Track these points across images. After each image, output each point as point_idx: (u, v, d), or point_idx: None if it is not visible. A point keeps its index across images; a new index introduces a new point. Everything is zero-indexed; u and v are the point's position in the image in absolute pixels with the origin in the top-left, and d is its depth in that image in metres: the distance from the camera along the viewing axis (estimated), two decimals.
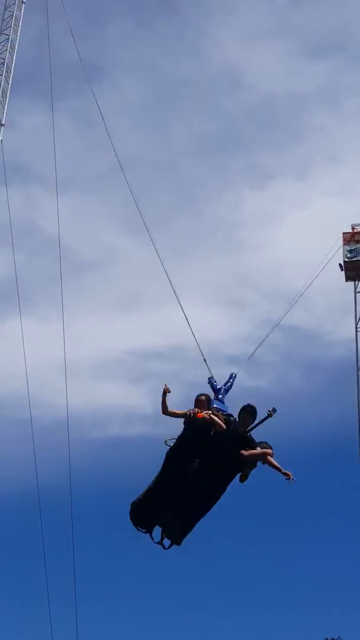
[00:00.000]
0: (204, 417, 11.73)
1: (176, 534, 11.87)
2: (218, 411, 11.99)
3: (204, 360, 12.76)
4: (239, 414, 11.82)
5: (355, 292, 37.17)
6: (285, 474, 11.67)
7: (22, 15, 31.04)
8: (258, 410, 11.74)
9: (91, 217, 54.56)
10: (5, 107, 29.02)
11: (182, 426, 11.88)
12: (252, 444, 11.77)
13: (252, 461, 11.78)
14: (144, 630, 42.65)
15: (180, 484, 11.70)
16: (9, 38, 30.10)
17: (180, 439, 11.88)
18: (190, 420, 11.80)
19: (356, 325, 36.56)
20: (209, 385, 12.79)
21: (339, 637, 34.66)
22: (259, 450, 11.74)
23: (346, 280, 37.03)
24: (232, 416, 11.97)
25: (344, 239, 37.03)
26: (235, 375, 12.96)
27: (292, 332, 51.40)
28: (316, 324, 52.15)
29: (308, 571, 45.15)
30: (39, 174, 47.61)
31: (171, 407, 11.97)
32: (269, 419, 11.75)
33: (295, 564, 45.73)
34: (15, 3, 31.18)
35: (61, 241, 27.87)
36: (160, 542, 11.86)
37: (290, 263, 50.65)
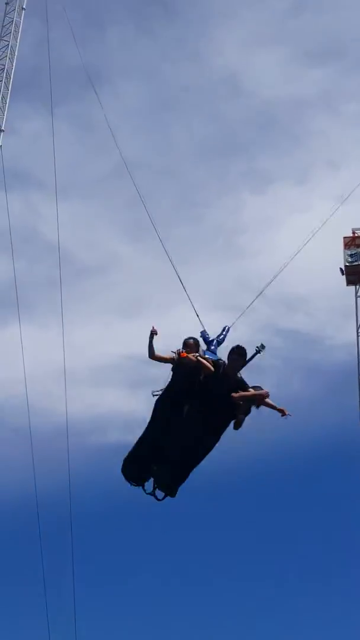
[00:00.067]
0: (189, 358, 11.36)
1: (169, 484, 11.52)
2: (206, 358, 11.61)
3: (197, 315, 12.27)
4: (228, 356, 11.53)
5: (356, 297, 37.10)
6: (280, 410, 11.38)
7: (22, 21, 31.14)
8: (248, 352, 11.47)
9: (91, 222, 54.49)
10: (5, 113, 29.08)
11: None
12: (244, 387, 11.43)
13: (246, 406, 11.44)
14: None
15: (170, 432, 11.38)
16: (8, 44, 30.20)
17: (168, 387, 11.54)
18: (177, 362, 11.43)
19: (357, 330, 36.49)
20: (201, 340, 12.37)
21: None
22: (250, 391, 11.41)
23: (347, 285, 36.98)
24: (222, 360, 11.63)
25: (345, 244, 37.01)
26: (229, 328, 12.55)
27: (293, 336, 51.38)
28: (317, 328, 52.10)
29: (309, 575, 45.00)
30: (39, 180, 47.58)
31: (158, 351, 11.62)
32: (258, 355, 11.51)
33: (296, 569, 45.58)
34: (15, 9, 31.27)
35: (61, 247, 27.86)
36: (153, 494, 11.55)
37: (291, 267, 50.53)
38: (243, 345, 11.52)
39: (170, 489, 11.54)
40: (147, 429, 11.56)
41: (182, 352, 11.38)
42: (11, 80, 29.72)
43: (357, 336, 36.38)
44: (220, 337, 12.38)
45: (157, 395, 11.55)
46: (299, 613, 42.74)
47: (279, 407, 11.38)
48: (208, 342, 12.24)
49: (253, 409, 11.52)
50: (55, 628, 25.96)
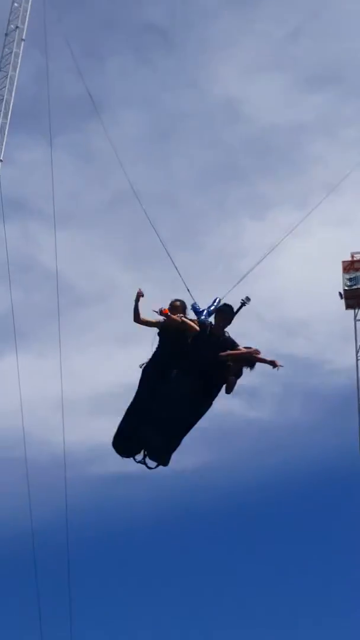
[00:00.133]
0: (173, 318, 11.13)
1: (160, 451, 11.21)
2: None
3: (188, 290, 11.94)
4: (214, 316, 11.33)
5: (355, 320, 37.27)
6: (271, 362, 11.12)
7: (21, 52, 31.51)
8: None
9: (90, 251, 54.75)
10: (4, 143, 29.37)
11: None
12: (233, 346, 11.19)
13: (237, 367, 11.17)
14: None
15: (158, 398, 11.09)
16: (7, 75, 30.54)
17: (155, 352, 11.33)
18: (162, 325, 11.24)
19: (356, 354, 36.60)
20: (192, 312, 12.00)
21: None
22: (238, 349, 11.17)
23: (346, 309, 37.18)
24: (209, 321, 11.40)
25: (344, 267, 37.23)
26: (220, 299, 12.13)
27: (292, 361, 51.35)
28: (316, 352, 52.15)
29: (309, 598, 44.78)
30: (38, 209, 47.94)
31: (144, 315, 11.38)
32: (244, 307, 11.33)
33: (297, 592, 45.35)
34: (14, 41, 31.65)
35: (60, 276, 27.97)
36: (143, 462, 11.23)
37: (291, 292, 50.79)
38: (228, 303, 11.38)
39: (162, 456, 11.23)
40: (135, 398, 11.29)
41: (165, 309, 11.18)
42: (10, 110, 30.06)
43: (357, 360, 36.49)
44: (211, 309, 12.08)
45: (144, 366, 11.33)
46: (298, 635, 42.55)
47: (269, 359, 11.12)
48: (198, 313, 11.98)
49: (246, 371, 11.30)
50: None
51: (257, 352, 11.17)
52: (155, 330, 11.48)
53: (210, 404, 11.29)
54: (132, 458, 11.27)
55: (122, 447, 11.31)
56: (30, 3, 31.93)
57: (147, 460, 11.30)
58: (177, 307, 11.39)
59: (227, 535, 47.23)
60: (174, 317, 11.20)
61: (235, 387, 11.29)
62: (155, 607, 44.12)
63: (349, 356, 37.02)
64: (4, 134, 29.49)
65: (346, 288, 36.73)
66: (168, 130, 60.55)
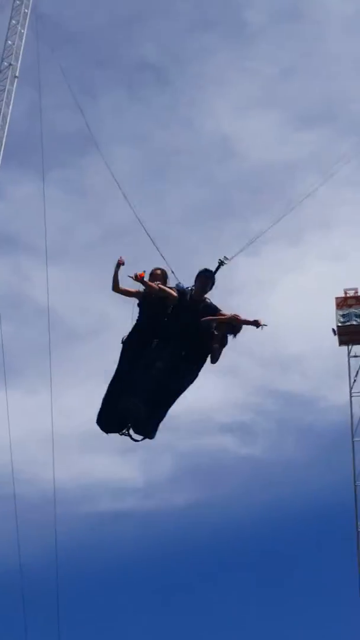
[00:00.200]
0: (148, 283, 10.78)
1: (146, 425, 10.79)
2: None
3: (172, 271, 11.44)
4: (194, 281, 11.05)
5: (349, 357, 37.21)
6: (253, 322, 10.79)
7: (14, 89, 31.66)
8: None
9: (82, 286, 54.67)
10: None
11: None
12: (215, 311, 10.91)
13: (220, 335, 10.88)
14: None
15: (140, 369, 10.74)
16: (0, 111, 30.65)
17: (136, 324, 11.02)
18: (142, 293, 10.90)
19: (350, 390, 36.50)
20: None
21: None
22: (219, 314, 10.86)
23: (339, 345, 37.11)
24: (188, 288, 11.12)
25: (337, 304, 37.24)
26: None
27: (286, 397, 51.31)
28: (310, 388, 52.03)
29: (304, 633, 44.20)
30: (29, 244, 47.94)
31: (123, 284, 11.00)
32: (222, 266, 11.06)
33: (291, 630, 44.77)
34: (7, 78, 31.82)
35: (51, 311, 27.93)
36: (128, 434, 10.82)
37: (285, 328, 50.71)
38: (208, 268, 11.10)
39: (147, 429, 10.84)
40: (116, 371, 10.96)
41: (141, 273, 10.80)
42: (2, 146, 30.13)
43: (350, 397, 36.36)
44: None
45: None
46: None
47: (251, 319, 10.83)
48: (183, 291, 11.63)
49: (231, 340, 11.02)
50: None
51: (236, 315, 10.89)
52: (135, 301, 11.17)
53: (195, 374, 10.99)
54: (117, 433, 10.92)
55: (106, 423, 10.91)
56: (23, 40, 32.18)
57: (133, 434, 10.93)
58: (158, 275, 11.10)
59: (220, 573, 46.73)
60: (151, 284, 10.90)
61: (221, 357, 11.03)
62: None
63: (343, 392, 36.91)
64: None
65: (339, 324, 36.71)
66: (161, 166, 60.84)
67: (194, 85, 59.85)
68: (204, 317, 10.83)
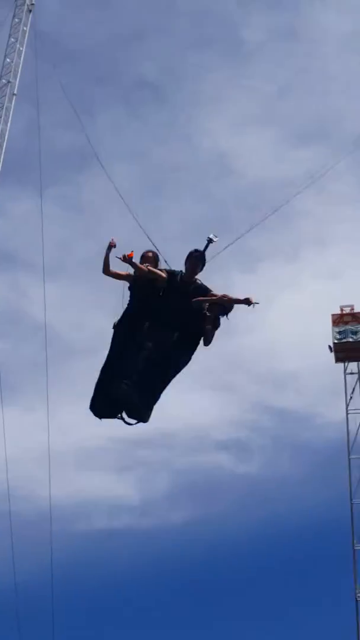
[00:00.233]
0: (137, 265, 10.59)
1: (139, 408, 10.61)
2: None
3: (154, 246, 11.20)
4: (185, 263, 10.92)
5: (345, 374, 37.25)
6: (244, 300, 10.60)
7: (12, 106, 31.83)
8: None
9: (79, 303, 54.74)
10: None
11: None
12: (206, 292, 10.78)
13: (212, 316, 10.71)
14: None
15: (132, 353, 10.61)
16: None
17: (127, 308, 10.87)
18: (133, 276, 10.74)
19: (346, 407, 36.52)
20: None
21: None
22: (210, 295, 10.70)
23: (336, 362, 37.16)
24: (179, 270, 10.98)
25: (333, 321, 37.32)
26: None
27: (282, 414, 51.31)
28: (306, 405, 52.06)
29: None
30: (27, 261, 48.04)
31: (114, 267, 10.74)
32: (210, 244, 10.90)
33: None
34: (6, 95, 32.00)
35: (48, 328, 27.94)
36: (121, 417, 10.62)
37: (281, 345, 50.81)
38: (198, 249, 10.98)
39: (141, 412, 10.67)
40: (108, 356, 10.81)
41: (130, 252, 10.56)
42: (0, 163, 30.28)
43: (347, 414, 36.38)
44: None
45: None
46: None
47: (242, 297, 10.62)
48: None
49: (224, 321, 10.82)
50: None
51: (225, 295, 10.76)
52: (126, 284, 11.00)
53: (188, 357, 10.85)
54: (111, 418, 10.74)
55: (99, 409, 10.74)
56: (22, 58, 32.39)
57: (127, 418, 10.74)
58: (149, 257, 10.89)
59: (216, 591, 46.56)
60: (140, 265, 10.72)
61: (213, 340, 10.86)
62: None
63: (339, 409, 36.94)
64: None
65: (336, 341, 36.78)
66: (159, 183, 61.02)
67: (192, 103, 60.21)
68: (195, 298, 10.72)
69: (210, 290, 10.88)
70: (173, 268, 11.09)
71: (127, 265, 10.81)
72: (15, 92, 32.06)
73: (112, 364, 10.75)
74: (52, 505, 25.78)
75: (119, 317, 10.87)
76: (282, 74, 65.01)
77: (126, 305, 10.91)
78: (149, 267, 10.75)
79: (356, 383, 36.94)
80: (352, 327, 37.05)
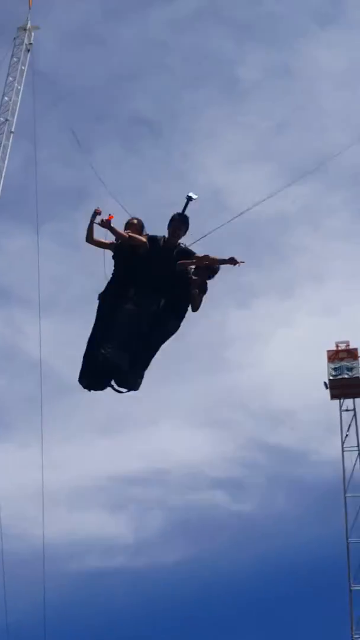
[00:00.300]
0: (116, 229, 10.29)
1: (129, 376, 10.34)
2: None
3: (124, 209, 11.11)
4: (167, 227, 10.72)
5: (341, 411, 37.13)
6: (230, 260, 10.43)
7: (10, 144, 32.09)
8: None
9: (75, 339, 54.54)
10: None
11: None
12: (189, 255, 10.60)
13: (199, 280, 10.52)
14: None
15: (119, 320, 10.33)
16: None
17: (111, 277, 10.63)
18: (115, 244, 10.48)
19: (342, 444, 36.36)
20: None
21: None
22: (194, 257, 10.50)
23: (331, 398, 37.05)
24: (161, 235, 10.77)
25: (329, 357, 37.27)
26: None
27: (278, 451, 51.09)
28: (302, 442, 51.88)
29: None
30: (23, 297, 48.00)
31: (98, 236, 10.46)
32: (190, 202, 10.81)
33: None
34: (4, 133, 32.28)
35: (44, 364, 27.88)
36: (112, 387, 10.35)
37: (276, 381, 50.76)
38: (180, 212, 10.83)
39: (130, 380, 10.42)
40: (94, 326, 10.51)
41: (110, 215, 10.20)
42: None
43: (342, 451, 36.21)
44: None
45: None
46: None
47: (227, 258, 10.45)
48: None
49: (210, 284, 10.62)
50: None
51: (207, 256, 10.57)
52: (110, 253, 10.81)
53: (177, 323, 10.65)
54: (100, 390, 10.50)
55: (88, 380, 10.47)
56: (20, 97, 32.71)
57: (117, 387, 10.49)
58: (134, 224, 10.62)
59: (211, 630, 46.04)
60: (120, 231, 10.47)
61: (201, 305, 10.67)
62: None
63: (335, 446, 36.76)
64: None
65: (331, 378, 36.69)
66: (155, 219, 61.23)
67: (187, 139, 60.64)
68: (178, 262, 10.55)
69: (194, 253, 10.69)
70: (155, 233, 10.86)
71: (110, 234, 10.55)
72: (12, 129, 32.35)
73: (99, 334, 10.46)
74: (45, 544, 25.55)
75: (104, 287, 10.63)
76: (277, 111, 65.61)
77: (111, 274, 10.69)
78: (129, 233, 10.50)
79: (352, 420, 36.83)
80: (347, 364, 36.98)
